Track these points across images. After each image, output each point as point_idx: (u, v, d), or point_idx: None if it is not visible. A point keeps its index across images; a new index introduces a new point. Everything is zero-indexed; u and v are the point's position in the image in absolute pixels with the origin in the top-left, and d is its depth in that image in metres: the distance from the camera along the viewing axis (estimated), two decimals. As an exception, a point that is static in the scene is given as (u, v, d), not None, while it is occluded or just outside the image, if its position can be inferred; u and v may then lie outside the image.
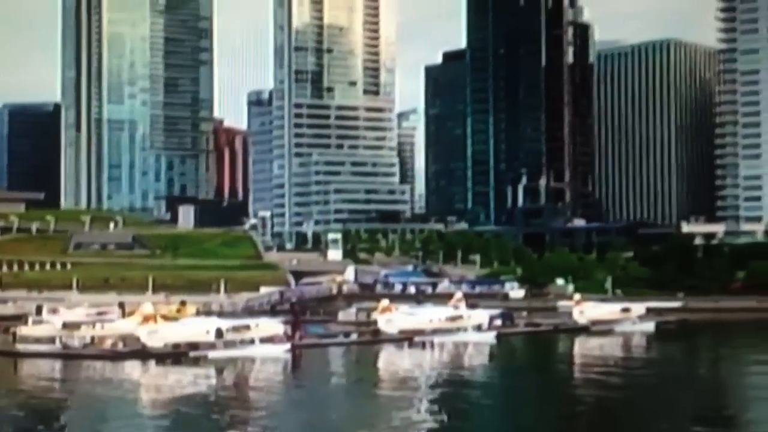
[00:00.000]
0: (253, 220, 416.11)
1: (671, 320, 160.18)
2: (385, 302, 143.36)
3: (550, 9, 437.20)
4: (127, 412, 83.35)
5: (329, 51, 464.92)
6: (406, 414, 79.20)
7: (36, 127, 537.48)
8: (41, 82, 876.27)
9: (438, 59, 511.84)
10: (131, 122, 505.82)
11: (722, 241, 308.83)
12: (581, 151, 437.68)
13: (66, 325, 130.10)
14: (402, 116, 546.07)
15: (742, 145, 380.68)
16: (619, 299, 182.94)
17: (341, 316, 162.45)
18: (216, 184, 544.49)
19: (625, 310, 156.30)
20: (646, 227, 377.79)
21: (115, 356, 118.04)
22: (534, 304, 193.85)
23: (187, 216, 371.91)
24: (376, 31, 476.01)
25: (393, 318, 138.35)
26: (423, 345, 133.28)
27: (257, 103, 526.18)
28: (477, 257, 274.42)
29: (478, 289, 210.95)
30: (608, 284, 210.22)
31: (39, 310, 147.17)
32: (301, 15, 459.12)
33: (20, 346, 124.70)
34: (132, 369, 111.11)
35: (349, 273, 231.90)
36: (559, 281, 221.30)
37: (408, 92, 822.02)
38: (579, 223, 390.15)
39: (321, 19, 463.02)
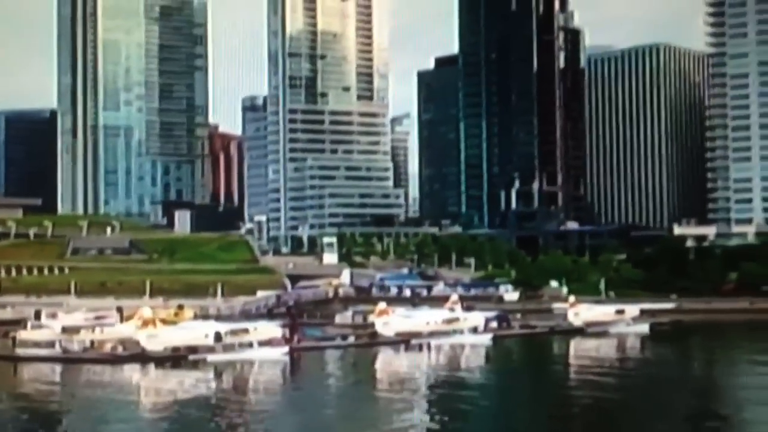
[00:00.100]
0: (249, 225, 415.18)
1: (665, 321, 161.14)
2: (382, 305, 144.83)
3: (541, 15, 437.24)
4: (128, 415, 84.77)
5: (323, 57, 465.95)
6: (406, 416, 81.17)
7: (32, 134, 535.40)
8: (37, 88, 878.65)
9: (430, 65, 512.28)
10: (127, 128, 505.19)
11: (714, 243, 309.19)
12: (573, 155, 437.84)
13: (65, 330, 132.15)
14: (395, 121, 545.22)
15: (733, 148, 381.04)
16: (613, 301, 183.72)
17: (338, 319, 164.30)
18: (212, 188, 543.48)
19: (620, 311, 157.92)
20: (638, 230, 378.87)
21: (114, 360, 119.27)
22: (528, 307, 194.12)
23: (183, 221, 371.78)
24: (369, 37, 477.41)
25: (390, 321, 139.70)
26: (420, 347, 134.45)
27: (252, 108, 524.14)
28: (471, 260, 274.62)
29: (473, 292, 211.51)
30: (602, 286, 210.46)
31: (38, 315, 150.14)
32: (294, 21, 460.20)
33: (20, 350, 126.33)
34: (132, 372, 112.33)
35: (345, 276, 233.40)
36: (553, 283, 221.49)
37: (401, 97, 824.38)
38: (572, 226, 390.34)
39: (315, 25, 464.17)
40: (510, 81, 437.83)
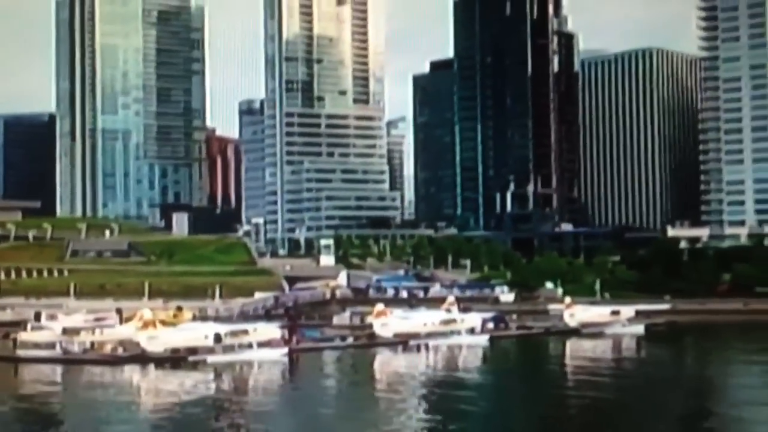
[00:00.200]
0: (246, 227, 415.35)
1: (660, 322, 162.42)
2: (380, 306, 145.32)
3: (535, 19, 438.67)
4: (129, 415, 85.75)
5: (319, 61, 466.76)
6: (406, 415, 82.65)
7: (31, 137, 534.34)
8: (36, 92, 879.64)
9: (425, 68, 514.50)
10: (125, 132, 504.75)
11: (707, 245, 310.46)
12: (567, 158, 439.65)
13: (66, 331, 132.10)
14: (391, 124, 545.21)
15: (725, 150, 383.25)
16: (608, 302, 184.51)
17: (336, 320, 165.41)
18: (209, 191, 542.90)
19: (615, 312, 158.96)
20: (632, 231, 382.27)
21: (114, 361, 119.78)
22: (524, 308, 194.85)
23: (181, 223, 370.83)
24: (365, 41, 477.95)
25: (388, 322, 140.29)
26: (417, 348, 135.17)
27: (248, 112, 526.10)
28: (467, 262, 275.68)
29: (468, 293, 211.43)
30: (597, 288, 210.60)
31: (38, 317, 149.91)
32: (291, 26, 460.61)
33: (21, 352, 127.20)
34: (132, 373, 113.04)
35: (342, 278, 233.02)
36: (549, 285, 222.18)
37: (397, 101, 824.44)
38: (566, 227, 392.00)
39: (311, 30, 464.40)
40: (505, 84, 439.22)
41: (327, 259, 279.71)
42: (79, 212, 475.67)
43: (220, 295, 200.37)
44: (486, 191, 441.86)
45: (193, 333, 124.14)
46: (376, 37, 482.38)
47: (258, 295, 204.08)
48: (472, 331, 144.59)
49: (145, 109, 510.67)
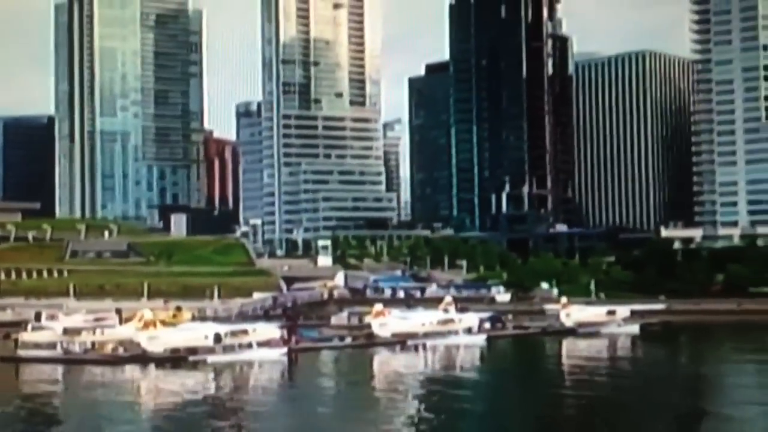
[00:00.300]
0: (244, 228, 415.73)
1: (655, 322, 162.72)
2: (378, 306, 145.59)
3: (530, 22, 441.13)
4: (130, 415, 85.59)
5: (316, 64, 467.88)
6: (407, 413, 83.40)
7: (30, 139, 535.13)
8: (35, 95, 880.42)
9: (421, 71, 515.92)
10: (124, 134, 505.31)
11: (700, 246, 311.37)
12: (562, 159, 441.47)
13: (67, 331, 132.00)
14: (387, 126, 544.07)
15: (718, 152, 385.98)
16: (603, 302, 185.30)
17: (334, 320, 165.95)
18: (207, 193, 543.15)
19: (611, 312, 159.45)
20: (626, 232, 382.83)
21: (115, 361, 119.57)
22: (520, 308, 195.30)
23: (179, 224, 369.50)
24: (361, 44, 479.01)
25: (386, 322, 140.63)
26: (415, 348, 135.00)
27: (246, 114, 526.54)
28: (463, 262, 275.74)
29: (465, 293, 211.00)
30: (592, 288, 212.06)
31: (38, 317, 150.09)
32: (288, 29, 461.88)
33: (22, 352, 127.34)
34: (132, 373, 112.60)
35: (339, 278, 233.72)
36: (544, 285, 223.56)
37: (393, 103, 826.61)
38: (561, 228, 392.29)
39: (308, 33, 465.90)
40: (500, 87, 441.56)
41: (324, 260, 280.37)
42: (78, 213, 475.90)
43: (219, 296, 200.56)
44: (482, 192, 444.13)
45: (193, 333, 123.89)
46: (373, 40, 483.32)
47: (256, 295, 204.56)
48: (469, 331, 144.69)
49: (144, 112, 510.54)
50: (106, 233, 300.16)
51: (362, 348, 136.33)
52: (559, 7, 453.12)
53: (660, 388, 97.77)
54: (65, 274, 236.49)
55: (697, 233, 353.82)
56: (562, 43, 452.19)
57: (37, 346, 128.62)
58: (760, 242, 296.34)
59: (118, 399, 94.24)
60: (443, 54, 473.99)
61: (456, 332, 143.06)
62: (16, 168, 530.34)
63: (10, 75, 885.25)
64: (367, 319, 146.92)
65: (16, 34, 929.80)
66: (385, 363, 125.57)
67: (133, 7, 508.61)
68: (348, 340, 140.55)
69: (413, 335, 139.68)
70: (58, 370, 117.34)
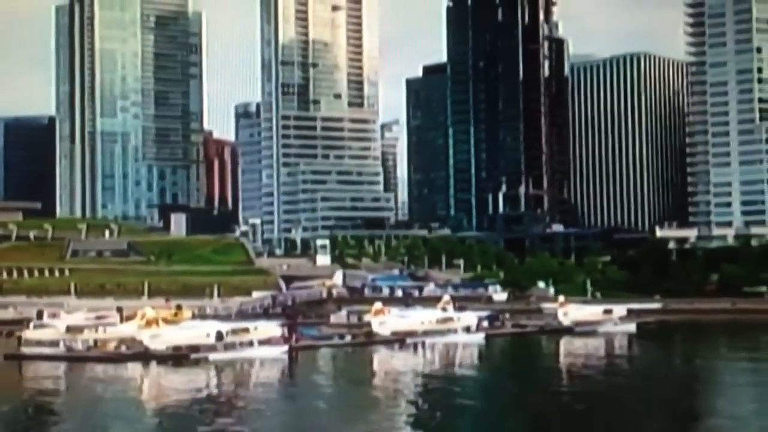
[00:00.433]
0: (243, 227, 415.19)
1: (651, 321, 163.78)
2: (378, 305, 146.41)
3: (526, 25, 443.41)
4: (133, 411, 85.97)
5: (315, 65, 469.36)
6: (408, 412, 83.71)
7: (31, 139, 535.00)
8: (36, 96, 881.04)
9: (418, 72, 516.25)
10: (124, 134, 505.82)
11: (695, 246, 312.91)
12: (558, 160, 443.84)
13: (69, 329, 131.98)
14: (385, 127, 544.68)
15: (712, 153, 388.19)
16: (600, 302, 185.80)
17: (333, 318, 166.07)
18: (206, 193, 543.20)
19: (607, 311, 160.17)
20: (621, 232, 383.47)
21: (118, 358, 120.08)
22: (517, 307, 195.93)
23: (179, 224, 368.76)
24: (360, 45, 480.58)
25: (386, 320, 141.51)
26: (414, 346, 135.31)
27: (245, 115, 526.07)
28: (461, 262, 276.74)
29: (462, 292, 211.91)
30: (588, 287, 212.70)
31: (40, 315, 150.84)
32: (287, 31, 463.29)
33: (25, 349, 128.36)
34: (135, 371, 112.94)
35: (338, 277, 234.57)
36: (541, 284, 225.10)
37: (390, 104, 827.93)
38: (557, 228, 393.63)
39: (306, 34, 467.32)
40: (497, 88, 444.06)
41: (323, 259, 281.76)
42: (78, 213, 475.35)
43: (218, 295, 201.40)
44: (479, 193, 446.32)
45: (195, 331, 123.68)
46: (371, 42, 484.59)
47: (256, 294, 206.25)
48: (468, 329, 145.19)
49: (144, 112, 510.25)
50: (107, 233, 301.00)
51: (362, 346, 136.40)
52: (555, 9, 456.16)
53: (657, 385, 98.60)
54: (66, 273, 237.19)
55: (691, 233, 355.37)
56: (558, 46, 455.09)
57: (40, 343, 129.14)
58: (754, 242, 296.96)
59: (122, 396, 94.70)
60: (441, 56, 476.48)
61: (455, 331, 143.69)
62: (17, 168, 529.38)
63: (12, 76, 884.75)
64: (367, 317, 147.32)
65: (17, 36, 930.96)
66: (384, 361, 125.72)
67: (133, 9, 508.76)
68: (348, 339, 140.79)
69: (412, 334, 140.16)
70: (61, 368, 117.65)
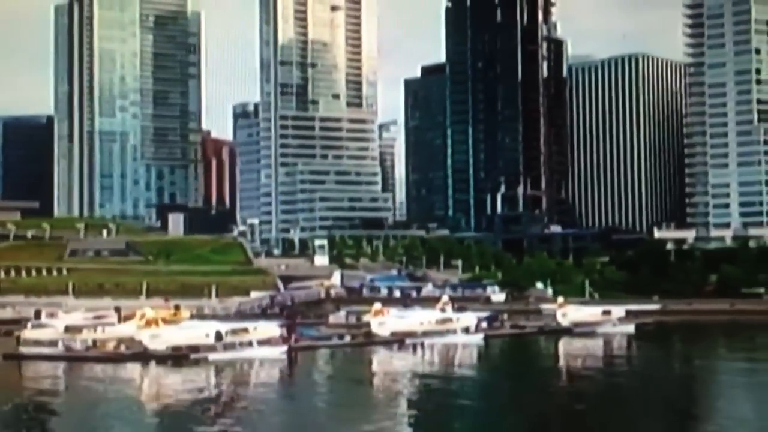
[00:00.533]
0: (241, 227, 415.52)
1: (649, 322, 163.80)
2: (377, 305, 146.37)
3: (525, 26, 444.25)
4: (132, 411, 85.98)
5: (313, 65, 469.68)
6: (406, 411, 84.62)
7: (30, 139, 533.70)
8: (35, 95, 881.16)
9: (417, 73, 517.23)
10: (122, 134, 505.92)
11: (693, 247, 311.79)
12: (556, 160, 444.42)
13: (68, 329, 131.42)
14: (383, 127, 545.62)
15: (711, 154, 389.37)
16: (599, 302, 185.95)
17: (332, 319, 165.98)
18: (204, 192, 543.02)
19: (606, 312, 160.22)
20: (619, 233, 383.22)
21: (117, 358, 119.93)
22: (515, 307, 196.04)
23: (177, 223, 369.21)
24: (358, 46, 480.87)
25: (385, 320, 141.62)
26: (414, 347, 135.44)
27: (243, 115, 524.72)
28: (459, 262, 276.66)
29: (460, 293, 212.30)
30: (587, 288, 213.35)
31: (38, 315, 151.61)
32: (286, 31, 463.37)
33: (24, 349, 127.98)
34: (134, 371, 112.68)
35: (336, 278, 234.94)
36: (539, 285, 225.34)
37: (389, 104, 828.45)
38: (555, 229, 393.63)
39: (305, 34, 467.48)
40: (495, 89, 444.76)
41: (321, 259, 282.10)
42: (76, 212, 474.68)
43: (217, 294, 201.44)
44: (477, 193, 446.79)
45: (194, 331, 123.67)
46: (369, 42, 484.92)
47: (254, 294, 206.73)
48: (467, 330, 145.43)
49: (142, 112, 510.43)
50: (105, 232, 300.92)
51: (361, 347, 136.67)
52: (554, 10, 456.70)
53: (656, 386, 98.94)
54: (64, 272, 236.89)
55: (689, 234, 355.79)
56: (557, 46, 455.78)
57: (38, 343, 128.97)
58: (752, 244, 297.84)
59: (121, 396, 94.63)
60: (439, 56, 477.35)
61: (454, 331, 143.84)
62: (16, 167, 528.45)
63: (11, 75, 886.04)
64: (366, 317, 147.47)
65: (16, 35, 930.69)
66: (384, 361, 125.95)
67: (132, 9, 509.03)
68: (347, 339, 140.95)
69: (412, 334, 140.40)
70: (60, 368, 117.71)
